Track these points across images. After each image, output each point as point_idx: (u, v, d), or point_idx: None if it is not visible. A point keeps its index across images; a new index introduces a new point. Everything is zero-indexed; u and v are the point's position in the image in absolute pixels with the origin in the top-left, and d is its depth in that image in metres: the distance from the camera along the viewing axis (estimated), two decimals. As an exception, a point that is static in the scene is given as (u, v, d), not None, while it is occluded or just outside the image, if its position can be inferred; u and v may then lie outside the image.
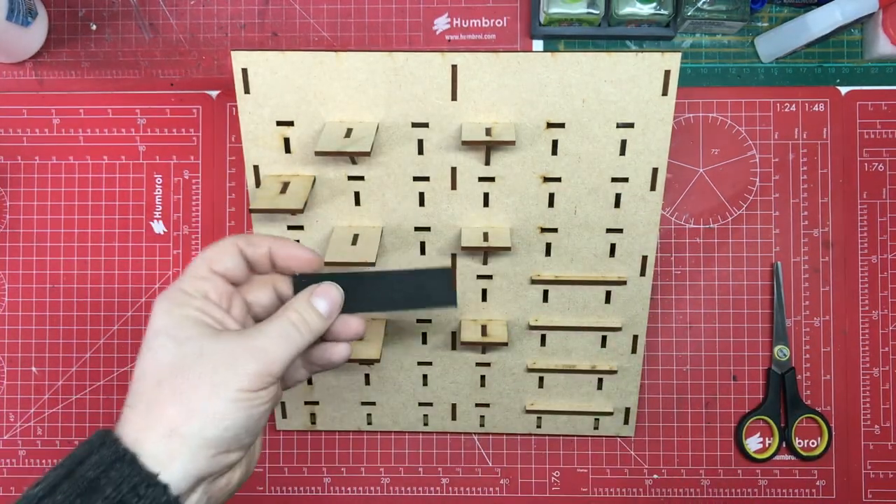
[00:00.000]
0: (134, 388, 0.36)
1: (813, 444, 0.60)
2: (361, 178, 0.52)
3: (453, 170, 0.51)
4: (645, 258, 0.53)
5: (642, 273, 0.54)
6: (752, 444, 0.60)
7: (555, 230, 0.53)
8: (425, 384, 0.58)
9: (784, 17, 0.59)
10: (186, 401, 0.35)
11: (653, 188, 0.51)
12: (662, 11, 0.55)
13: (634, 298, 0.54)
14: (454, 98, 0.49)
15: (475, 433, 0.61)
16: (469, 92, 0.49)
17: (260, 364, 0.36)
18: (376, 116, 0.50)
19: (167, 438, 0.34)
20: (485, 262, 0.54)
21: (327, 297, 0.41)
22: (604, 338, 0.56)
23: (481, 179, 0.51)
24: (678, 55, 0.48)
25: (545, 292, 0.55)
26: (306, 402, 0.59)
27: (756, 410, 0.59)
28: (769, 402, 0.59)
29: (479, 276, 0.54)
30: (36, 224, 0.61)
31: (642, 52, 0.48)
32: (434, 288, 0.42)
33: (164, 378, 0.35)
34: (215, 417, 0.35)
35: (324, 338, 0.43)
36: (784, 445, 0.60)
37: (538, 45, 0.60)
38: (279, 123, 0.50)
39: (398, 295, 0.42)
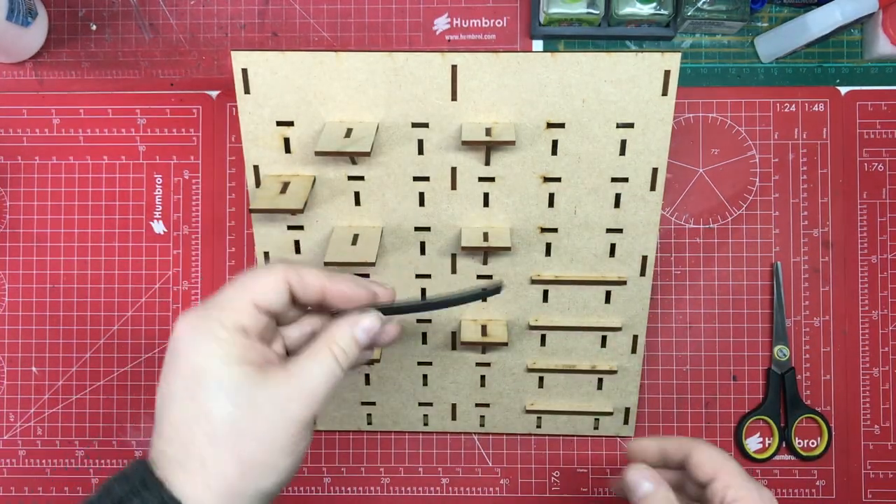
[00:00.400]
0: (176, 436, 0.35)
1: (813, 444, 0.60)
2: (361, 178, 0.52)
3: (453, 170, 0.51)
4: (645, 258, 0.53)
5: (642, 273, 0.54)
6: (752, 444, 0.60)
7: (555, 230, 0.53)
8: (425, 384, 0.58)
9: (784, 17, 0.59)
10: (244, 458, 0.34)
11: (653, 188, 0.51)
12: (662, 11, 0.55)
13: (634, 298, 0.54)
14: (454, 98, 0.49)
15: (475, 433, 0.61)
16: (469, 92, 0.49)
17: (309, 410, 0.36)
18: (376, 116, 0.50)
19: (224, 497, 0.34)
20: (485, 262, 0.54)
21: (371, 331, 0.39)
22: (604, 338, 0.56)
23: (481, 179, 0.51)
24: (678, 55, 0.48)
25: (545, 292, 0.55)
26: (306, 402, 0.59)
27: (756, 410, 0.59)
28: (769, 402, 0.59)
29: (479, 276, 0.54)
30: (36, 224, 0.61)
31: (642, 52, 0.48)
32: (482, 293, 0.43)
33: (217, 434, 0.34)
34: (273, 470, 0.35)
35: None
36: (784, 445, 0.60)
37: (538, 45, 0.60)
38: (279, 123, 0.50)
39: (443, 305, 0.43)
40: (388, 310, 0.41)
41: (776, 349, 0.59)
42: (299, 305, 0.40)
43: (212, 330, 0.35)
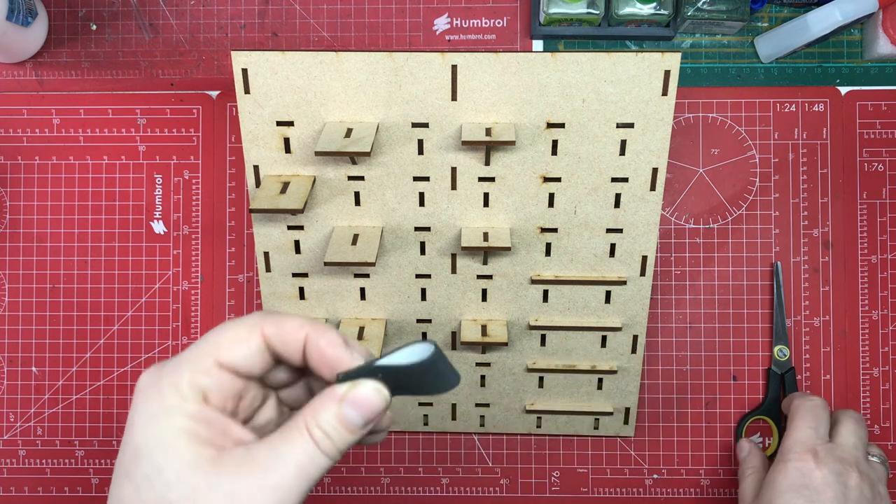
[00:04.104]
0: None
1: (813, 444, 0.60)
2: (361, 178, 0.52)
3: (453, 170, 0.51)
4: (645, 258, 0.53)
5: (642, 273, 0.54)
6: None
7: (555, 230, 0.53)
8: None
9: (784, 17, 0.59)
10: None
11: (653, 188, 0.51)
12: (662, 11, 0.55)
13: (634, 298, 0.54)
14: (454, 98, 0.49)
15: (475, 433, 0.61)
16: (469, 92, 0.49)
17: None
18: (376, 116, 0.50)
19: None
20: (485, 262, 0.54)
21: (367, 408, 0.30)
22: (604, 338, 0.56)
23: (481, 179, 0.51)
24: (678, 55, 0.48)
25: (545, 292, 0.55)
26: (306, 402, 0.59)
27: (756, 410, 0.59)
28: (769, 402, 0.59)
29: (479, 276, 0.54)
30: (36, 224, 0.61)
31: (642, 52, 0.48)
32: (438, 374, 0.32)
33: None
34: None
35: None
36: (784, 445, 0.60)
37: (538, 45, 0.60)
38: (279, 123, 0.50)
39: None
40: (360, 372, 0.31)
41: (776, 349, 0.59)
42: (292, 366, 0.32)
43: (162, 393, 0.29)
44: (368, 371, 0.30)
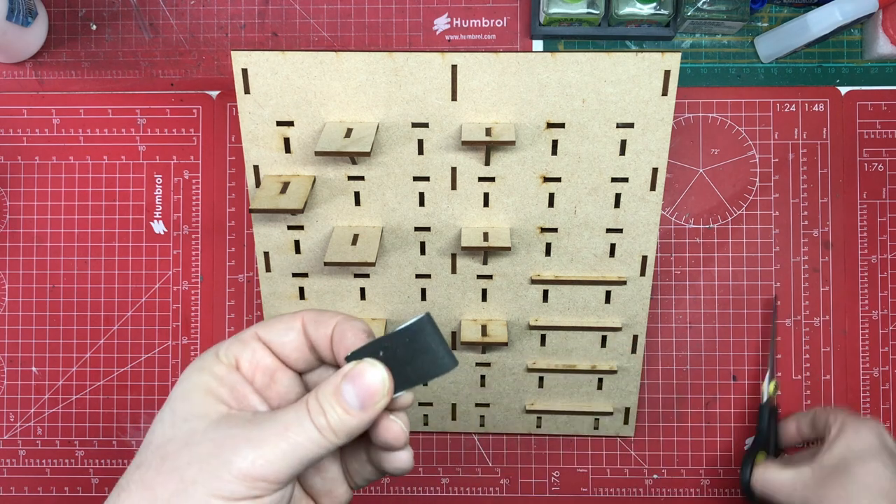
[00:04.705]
0: (132, 462, 0.31)
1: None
2: (361, 178, 0.52)
3: (453, 170, 0.51)
4: (645, 258, 0.53)
5: (642, 273, 0.54)
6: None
7: (555, 230, 0.53)
8: (425, 384, 0.58)
9: (784, 17, 0.59)
10: (150, 497, 0.29)
11: (653, 188, 0.51)
12: (662, 11, 0.55)
13: (634, 298, 0.54)
14: (454, 98, 0.49)
15: (475, 433, 0.61)
16: (469, 92, 0.49)
17: (255, 467, 0.28)
18: (376, 116, 0.50)
19: None
20: (485, 262, 0.54)
21: (360, 383, 0.30)
22: (604, 338, 0.56)
23: (481, 179, 0.51)
24: (678, 55, 0.48)
25: (545, 292, 0.55)
26: (306, 402, 0.59)
27: (756, 446, 0.57)
28: (764, 437, 0.57)
29: (479, 276, 0.54)
30: (36, 224, 0.61)
31: (642, 52, 0.48)
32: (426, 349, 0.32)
33: (143, 462, 0.30)
34: None
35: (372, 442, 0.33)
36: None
37: (538, 45, 0.60)
38: (279, 123, 0.50)
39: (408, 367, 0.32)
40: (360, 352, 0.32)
41: (770, 385, 0.58)
42: (325, 361, 0.34)
43: (204, 357, 0.33)
44: (372, 348, 0.31)
